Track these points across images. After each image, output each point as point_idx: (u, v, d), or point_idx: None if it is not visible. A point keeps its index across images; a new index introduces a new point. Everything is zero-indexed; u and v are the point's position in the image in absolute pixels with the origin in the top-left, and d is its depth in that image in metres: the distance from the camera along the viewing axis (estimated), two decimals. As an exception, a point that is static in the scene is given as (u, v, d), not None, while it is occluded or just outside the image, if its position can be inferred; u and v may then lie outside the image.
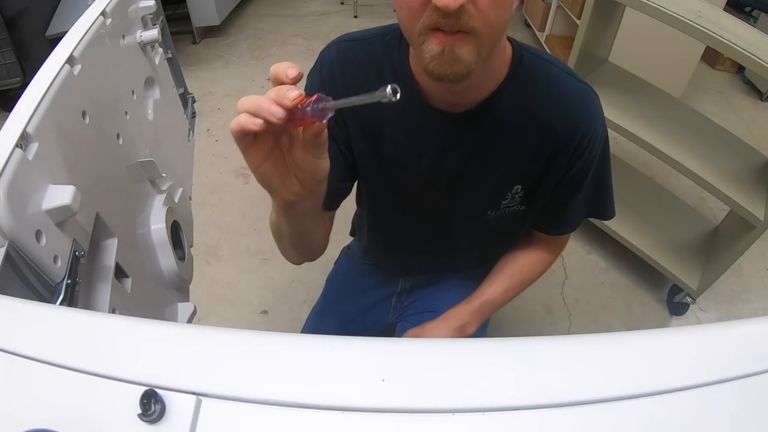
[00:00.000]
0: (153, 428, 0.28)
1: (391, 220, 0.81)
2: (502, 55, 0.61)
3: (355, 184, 0.79)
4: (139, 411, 0.28)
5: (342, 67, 0.65)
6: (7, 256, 0.40)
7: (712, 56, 2.76)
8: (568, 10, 2.51)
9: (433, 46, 0.49)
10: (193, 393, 0.29)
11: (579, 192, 0.70)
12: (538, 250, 0.81)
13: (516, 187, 0.69)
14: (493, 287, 0.82)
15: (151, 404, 0.28)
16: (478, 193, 0.71)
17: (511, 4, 0.50)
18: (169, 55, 0.95)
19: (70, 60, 0.56)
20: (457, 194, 0.72)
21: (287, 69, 0.40)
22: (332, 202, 0.72)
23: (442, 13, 0.45)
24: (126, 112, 0.71)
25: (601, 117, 0.66)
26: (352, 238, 1.06)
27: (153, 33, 0.79)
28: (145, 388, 0.28)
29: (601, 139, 0.66)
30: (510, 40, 0.63)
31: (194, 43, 2.91)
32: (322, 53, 0.67)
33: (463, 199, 0.73)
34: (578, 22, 1.67)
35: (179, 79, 1.01)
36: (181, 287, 0.80)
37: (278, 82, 0.40)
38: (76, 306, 0.48)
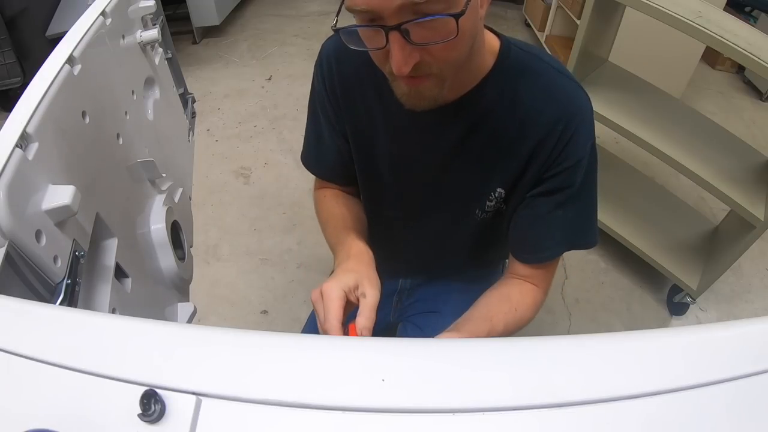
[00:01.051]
0: (153, 428, 0.28)
1: (383, 219, 0.82)
2: (484, 53, 0.61)
3: None
4: (139, 411, 0.28)
5: (337, 59, 0.68)
6: (7, 256, 0.40)
7: (712, 56, 2.76)
8: (568, 10, 2.51)
9: (401, 86, 0.55)
10: (193, 393, 0.29)
11: (560, 206, 0.67)
12: (528, 284, 0.73)
13: (499, 190, 0.69)
14: (486, 328, 0.65)
15: (151, 404, 0.28)
16: (463, 191, 0.72)
17: (465, 36, 0.51)
18: (169, 55, 0.95)
19: (70, 60, 0.56)
20: (444, 191, 0.73)
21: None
22: (353, 179, 0.79)
23: (397, 75, 0.50)
24: (126, 112, 0.71)
25: (588, 118, 0.63)
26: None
27: (153, 33, 0.80)
28: (145, 388, 0.28)
29: (587, 141, 0.64)
30: (498, 35, 0.64)
31: (194, 43, 2.91)
32: (322, 47, 0.71)
33: (450, 196, 0.73)
34: (578, 22, 1.67)
35: (179, 79, 1.01)
36: (181, 287, 0.80)
37: None
38: (76, 306, 0.48)
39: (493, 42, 0.63)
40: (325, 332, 0.53)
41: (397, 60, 0.48)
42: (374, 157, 0.73)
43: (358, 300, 0.56)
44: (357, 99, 0.69)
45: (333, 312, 0.53)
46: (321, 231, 0.77)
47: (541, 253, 0.71)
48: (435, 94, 0.55)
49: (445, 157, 0.68)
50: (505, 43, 0.63)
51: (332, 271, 1.06)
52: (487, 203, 0.72)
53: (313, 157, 0.78)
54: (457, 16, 0.46)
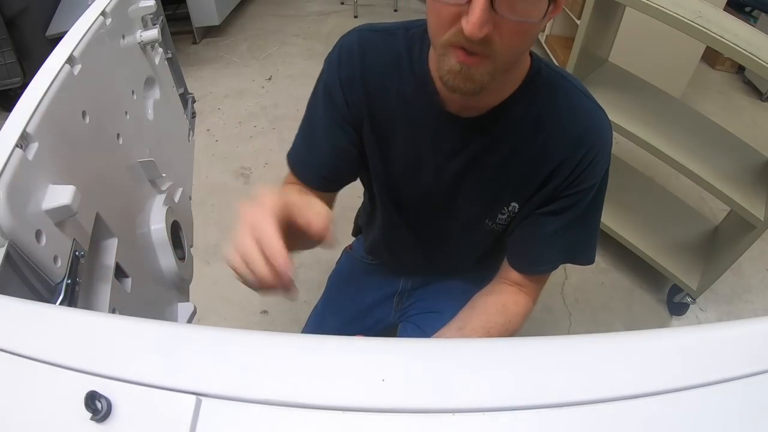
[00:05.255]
0: (152, 428, 0.28)
1: (392, 221, 0.81)
2: (521, 67, 0.61)
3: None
4: (90, 414, 0.28)
5: (362, 54, 0.65)
6: (7, 256, 0.40)
7: (712, 56, 2.76)
8: (568, 10, 2.51)
9: (452, 61, 0.51)
10: (193, 393, 0.29)
11: (565, 226, 0.67)
12: (522, 294, 0.73)
13: (513, 204, 0.69)
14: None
15: (95, 403, 0.28)
16: (477, 203, 0.71)
17: (535, 32, 0.51)
18: (169, 55, 0.95)
19: (70, 60, 0.56)
20: (457, 200, 0.72)
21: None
22: (335, 185, 0.73)
23: (467, 36, 0.47)
24: (126, 112, 0.71)
25: (609, 144, 0.64)
26: (353, 239, 1.07)
27: (153, 33, 0.79)
28: (88, 389, 0.28)
29: (604, 166, 0.64)
30: (530, 53, 0.63)
31: (194, 43, 2.91)
32: (341, 39, 0.68)
33: (462, 206, 0.72)
34: (578, 22, 1.68)
35: (179, 79, 1.01)
36: (181, 287, 0.80)
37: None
38: (76, 306, 0.48)
39: (526, 59, 0.62)
40: (269, 258, 0.43)
41: (475, 20, 0.45)
42: (391, 165, 0.72)
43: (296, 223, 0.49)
44: (379, 97, 0.66)
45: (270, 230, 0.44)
46: None
47: (539, 267, 0.72)
48: (484, 80, 0.51)
49: (463, 168, 0.67)
50: (536, 60, 0.63)
51: (335, 266, 1.07)
52: (499, 216, 0.71)
53: (302, 157, 0.72)
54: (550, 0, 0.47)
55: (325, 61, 0.69)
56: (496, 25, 0.47)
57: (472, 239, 0.79)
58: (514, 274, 0.72)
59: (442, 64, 0.52)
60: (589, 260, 0.72)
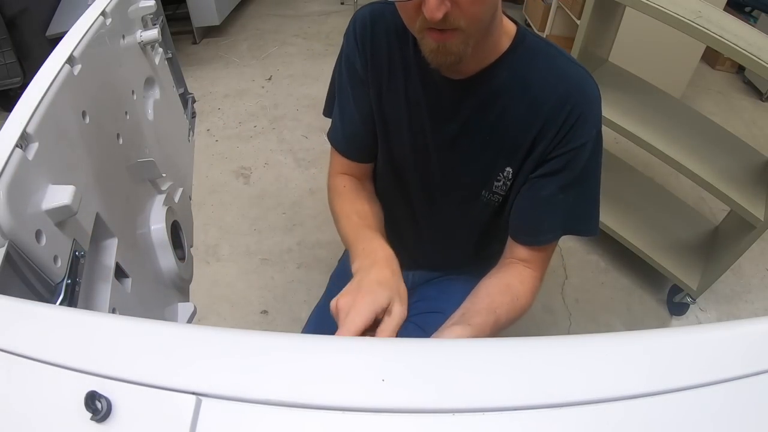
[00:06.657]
0: (152, 428, 0.28)
1: (392, 204, 0.83)
2: (501, 32, 0.65)
3: None
4: (90, 414, 0.28)
5: (372, 24, 0.71)
6: (7, 256, 0.40)
7: (712, 56, 2.76)
8: (568, 10, 2.51)
9: (429, 42, 0.57)
10: (193, 393, 0.29)
11: (561, 190, 0.68)
12: (528, 270, 0.73)
13: (507, 169, 0.71)
14: (492, 321, 0.65)
15: (95, 403, 0.28)
16: (473, 170, 0.73)
17: None
18: (169, 55, 0.95)
19: (70, 60, 0.56)
20: (454, 170, 0.74)
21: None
22: (374, 155, 0.80)
23: (429, 20, 0.53)
24: (126, 112, 0.71)
25: (596, 105, 0.65)
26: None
27: (153, 33, 0.80)
28: (88, 390, 0.28)
29: (593, 127, 0.65)
30: (515, 22, 0.67)
31: (194, 43, 2.91)
32: (354, 13, 0.73)
33: (458, 174, 0.74)
34: (578, 22, 1.68)
35: (179, 79, 1.01)
36: (181, 287, 0.80)
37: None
38: (76, 306, 0.48)
39: (509, 26, 0.66)
40: None
41: (431, 6, 0.51)
42: (391, 129, 0.75)
43: (382, 314, 0.55)
44: (384, 67, 0.71)
45: (355, 330, 0.53)
46: (334, 223, 0.76)
47: (541, 236, 0.72)
48: (460, 50, 0.57)
49: (457, 132, 0.70)
50: (522, 28, 0.67)
51: (338, 264, 1.07)
52: (495, 183, 0.73)
53: (339, 131, 0.79)
54: None
55: (344, 36, 0.74)
56: (454, 2, 0.52)
57: (470, 216, 0.80)
58: (518, 249, 0.73)
59: (423, 49, 0.59)
60: (591, 230, 0.73)
